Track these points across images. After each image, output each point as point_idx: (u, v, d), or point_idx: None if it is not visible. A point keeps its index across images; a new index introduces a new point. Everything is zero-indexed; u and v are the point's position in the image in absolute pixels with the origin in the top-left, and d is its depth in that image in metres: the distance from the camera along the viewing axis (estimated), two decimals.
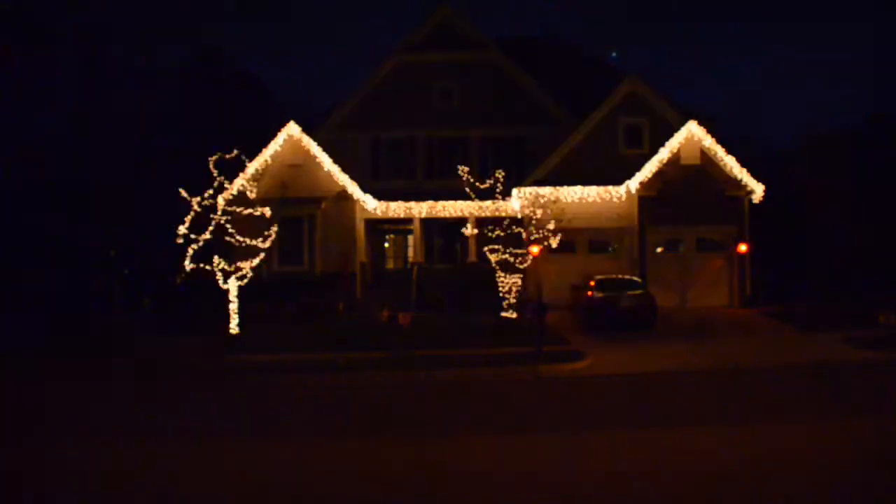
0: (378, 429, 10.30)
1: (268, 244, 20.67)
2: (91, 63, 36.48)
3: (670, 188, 24.18)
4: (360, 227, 26.90)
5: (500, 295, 23.03)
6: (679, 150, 24.26)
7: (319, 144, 26.17)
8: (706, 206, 24.12)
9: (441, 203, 27.32)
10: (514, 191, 25.06)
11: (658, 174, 24.24)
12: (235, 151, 19.83)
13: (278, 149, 25.76)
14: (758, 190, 24.13)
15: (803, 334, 18.68)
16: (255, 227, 21.77)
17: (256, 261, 20.32)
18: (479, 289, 24.73)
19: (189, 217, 19.13)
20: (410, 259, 28.72)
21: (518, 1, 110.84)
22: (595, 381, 14.02)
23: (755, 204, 24.36)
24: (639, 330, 19.28)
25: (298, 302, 23.52)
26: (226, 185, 20.25)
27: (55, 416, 11.87)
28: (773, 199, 23.97)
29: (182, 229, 19.04)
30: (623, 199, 24.98)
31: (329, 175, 25.72)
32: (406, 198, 27.52)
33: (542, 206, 23.87)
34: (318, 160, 25.74)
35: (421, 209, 27.48)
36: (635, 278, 21.49)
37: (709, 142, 24.20)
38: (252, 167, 25.24)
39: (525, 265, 22.69)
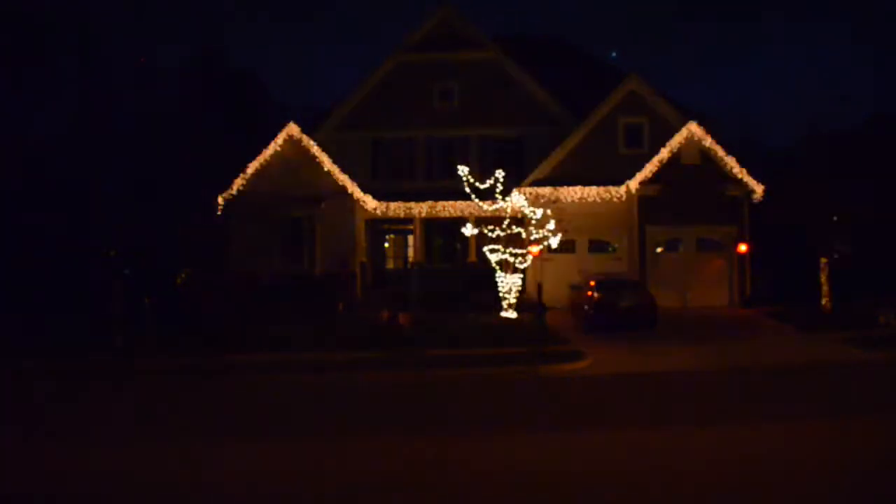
0: (378, 428, 10.30)
1: (268, 244, 20.64)
2: (91, 63, 36.47)
3: (670, 188, 24.18)
4: (360, 227, 26.90)
5: (500, 295, 23.04)
6: (679, 150, 24.26)
7: (319, 144, 26.16)
8: (706, 206, 24.12)
9: (441, 203, 27.31)
10: (514, 191, 25.04)
11: (658, 174, 24.25)
12: (235, 152, 19.82)
13: (278, 149, 25.75)
14: (758, 190, 24.13)
15: (803, 334, 18.68)
16: (255, 226, 21.82)
17: (256, 261, 20.32)
18: (479, 289, 24.74)
19: (189, 217, 19.13)
20: (410, 259, 28.72)
21: (518, 1, 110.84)
22: (595, 381, 14.02)
23: (755, 204, 24.36)
24: (639, 330, 19.27)
25: (298, 302, 23.50)
26: (226, 185, 20.27)
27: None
28: (774, 198, 23.94)
29: (182, 229, 19.03)
30: (623, 199, 24.98)
31: (329, 175, 25.72)
32: (406, 198, 27.51)
33: (542, 206, 23.86)
34: (318, 160, 25.73)
35: (421, 209, 27.48)
36: (635, 278, 21.49)
37: (709, 142, 24.21)
38: (252, 167, 25.27)
39: (525, 265, 22.69)
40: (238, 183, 25.40)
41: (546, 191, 24.98)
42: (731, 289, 24.35)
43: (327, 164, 25.71)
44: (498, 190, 22.61)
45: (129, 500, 7.47)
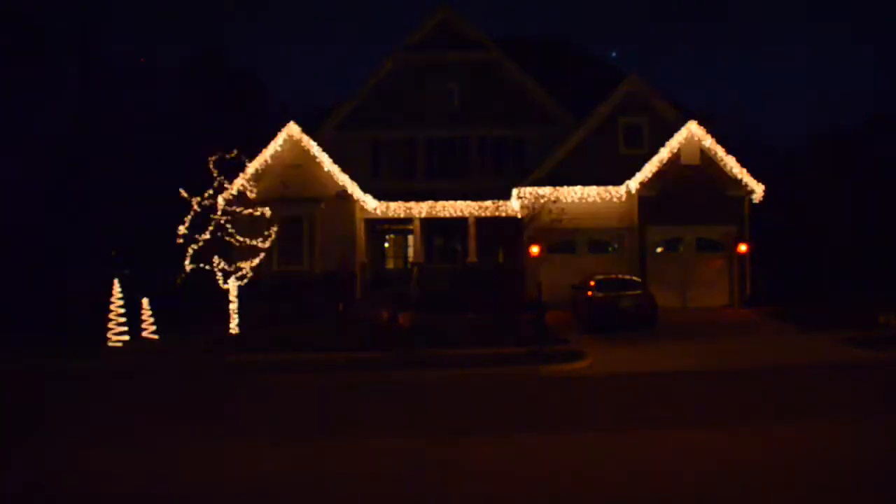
0: (378, 428, 10.30)
1: (268, 244, 20.68)
2: (92, 63, 36.50)
3: (670, 188, 24.19)
4: (360, 227, 26.90)
5: (500, 295, 23.03)
6: (679, 149, 24.27)
7: (319, 144, 26.18)
8: (706, 206, 24.12)
9: (441, 203, 27.30)
10: (514, 191, 25.05)
11: (658, 174, 24.25)
12: (235, 151, 19.84)
13: (278, 149, 25.77)
14: (758, 190, 24.14)
15: (803, 334, 18.66)
16: (255, 227, 21.81)
17: (256, 261, 20.34)
18: (479, 289, 24.75)
19: (189, 217, 19.14)
20: (410, 259, 28.73)
21: (519, 1, 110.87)
22: (595, 381, 14.01)
23: (755, 204, 24.36)
24: (639, 330, 19.27)
25: (298, 302, 23.52)
26: (226, 185, 20.27)
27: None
28: (774, 198, 23.97)
29: (182, 229, 19.04)
30: (623, 199, 24.98)
31: (329, 175, 25.73)
32: (406, 198, 27.51)
33: (542, 206, 23.86)
34: (318, 160, 25.75)
35: (421, 209, 27.47)
36: (635, 278, 21.48)
37: (709, 142, 24.21)
38: (252, 167, 25.27)
39: (525, 265, 22.69)
40: (238, 183, 25.39)
41: (546, 191, 24.98)
42: (731, 289, 24.36)
43: (327, 164, 25.72)
44: (498, 190, 22.61)
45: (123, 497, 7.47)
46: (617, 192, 24.98)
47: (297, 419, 11.22)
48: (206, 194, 19.43)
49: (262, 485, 7.73)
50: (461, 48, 28.89)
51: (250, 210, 20.47)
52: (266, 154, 25.70)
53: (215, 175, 19.63)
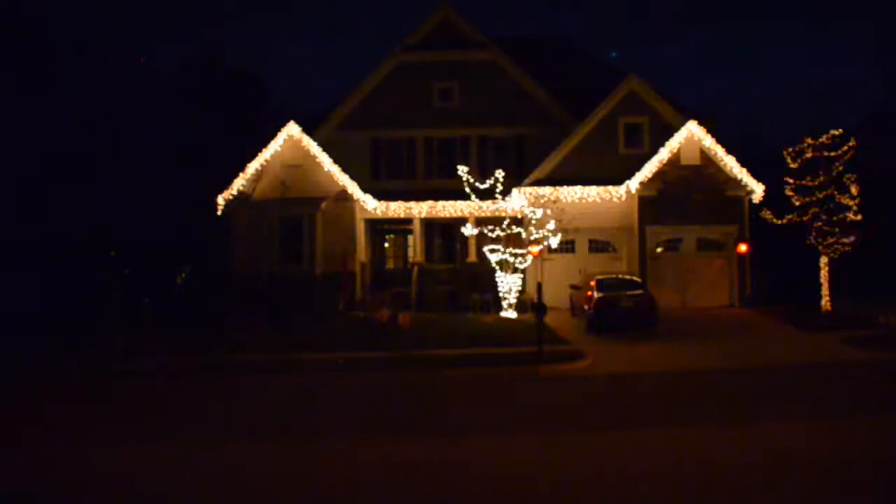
0: (378, 428, 10.30)
1: (268, 244, 20.65)
2: (92, 63, 36.48)
3: (670, 188, 24.19)
4: (360, 227, 26.89)
5: (500, 295, 23.05)
6: (679, 149, 24.27)
7: (319, 144, 26.17)
8: (706, 206, 24.12)
9: (441, 203, 27.29)
10: (514, 191, 25.05)
11: (658, 174, 24.25)
12: (235, 152, 19.82)
13: (278, 149, 25.76)
14: (758, 190, 24.14)
15: (804, 334, 18.67)
16: (255, 226, 21.82)
17: (256, 261, 20.32)
18: (479, 289, 24.77)
19: (189, 217, 19.13)
20: (410, 259, 28.71)
21: (519, 1, 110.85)
22: (595, 380, 14.02)
23: (755, 204, 24.36)
24: (639, 330, 19.27)
25: (298, 302, 23.51)
26: (226, 185, 20.26)
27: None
28: (774, 198, 23.94)
29: (182, 229, 19.04)
30: (623, 199, 24.98)
31: (329, 175, 25.72)
32: (406, 198, 27.50)
33: (542, 206, 23.86)
34: (318, 160, 25.74)
35: (421, 209, 27.46)
36: (635, 278, 21.48)
37: (709, 142, 24.21)
38: (252, 167, 25.27)
39: (525, 265, 22.70)
40: (238, 183, 25.40)
41: (546, 191, 24.97)
42: (731, 289, 24.36)
43: (327, 164, 25.71)
44: (498, 190, 22.63)
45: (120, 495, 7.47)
46: (617, 192, 24.98)
47: (295, 419, 11.22)
48: (206, 194, 19.41)
49: (259, 484, 7.73)
50: (461, 48, 28.89)
51: (250, 210, 20.44)
52: (266, 154, 25.68)
53: (215, 175, 19.61)
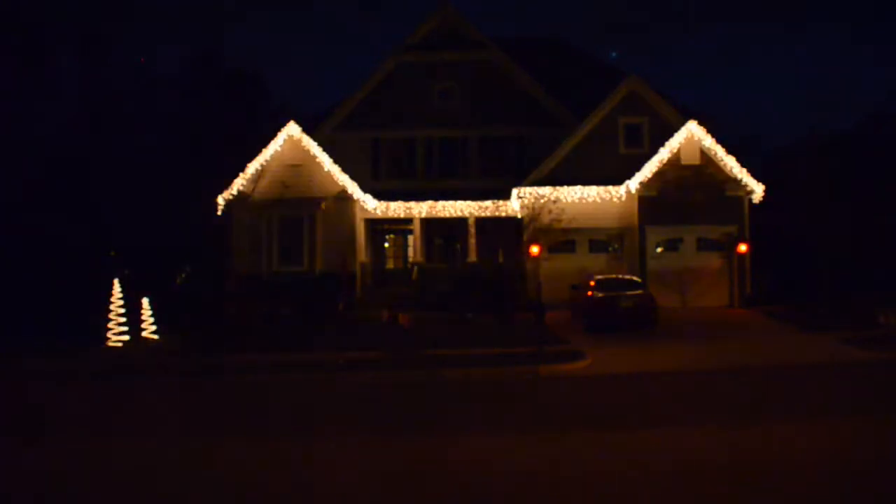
0: (378, 428, 10.30)
1: (268, 244, 20.65)
2: (92, 63, 36.47)
3: (670, 188, 24.19)
4: (360, 227, 26.90)
5: (500, 295, 23.02)
6: (679, 149, 24.27)
7: (319, 144, 26.17)
8: (706, 206, 24.12)
9: (441, 203, 27.29)
10: (514, 191, 25.05)
11: (658, 174, 24.25)
12: (235, 151, 19.82)
13: (278, 149, 25.76)
14: (758, 190, 24.14)
15: (803, 334, 18.66)
16: (255, 226, 21.82)
17: (256, 261, 20.32)
18: (479, 289, 24.73)
19: (189, 217, 19.12)
20: (410, 259, 28.72)
21: (519, 1, 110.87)
22: (595, 381, 14.01)
23: (755, 204, 24.35)
24: (639, 330, 19.26)
25: (298, 302, 23.52)
26: (226, 185, 20.25)
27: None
28: (774, 198, 23.96)
29: (182, 229, 19.03)
30: (623, 199, 24.98)
31: (329, 175, 25.72)
32: (406, 198, 27.50)
33: (542, 206, 23.87)
34: (318, 160, 25.74)
35: (421, 209, 27.47)
36: (635, 278, 21.48)
37: (709, 142, 24.21)
38: (252, 167, 25.27)
39: (525, 265, 22.69)
40: (238, 183, 25.39)
41: (546, 191, 24.97)
42: (731, 289, 24.35)
43: (327, 164, 25.71)
44: (498, 190, 22.61)
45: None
46: (617, 192, 24.98)
47: (295, 419, 11.22)
48: (207, 194, 19.40)
49: (258, 484, 7.74)
50: (461, 48, 28.90)
51: (250, 210, 20.44)
52: (266, 154, 25.68)
53: (215, 175, 19.61)
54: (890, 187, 28.11)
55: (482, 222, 27.05)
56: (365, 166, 28.45)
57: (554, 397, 12.63)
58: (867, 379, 13.52)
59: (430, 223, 28.36)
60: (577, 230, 24.81)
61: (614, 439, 9.23)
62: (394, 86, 29.02)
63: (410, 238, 28.87)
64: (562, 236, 22.98)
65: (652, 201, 24.33)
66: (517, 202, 25.30)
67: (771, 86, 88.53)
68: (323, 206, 25.53)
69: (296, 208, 25.40)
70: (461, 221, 27.30)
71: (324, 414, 11.63)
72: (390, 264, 30.01)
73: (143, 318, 20.46)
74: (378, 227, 29.07)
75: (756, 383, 13.23)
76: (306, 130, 26.21)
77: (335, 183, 25.75)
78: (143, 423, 11.11)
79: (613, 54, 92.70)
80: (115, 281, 19.76)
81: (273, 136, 25.93)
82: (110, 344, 19.02)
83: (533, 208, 23.99)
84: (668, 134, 24.50)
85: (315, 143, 26.01)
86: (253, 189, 25.18)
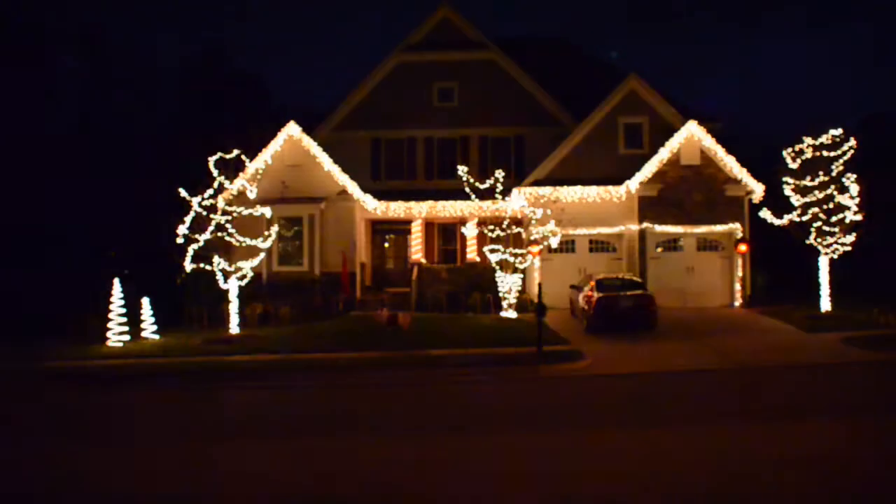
0: (378, 428, 10.30)
1: (268, 244, 20.66)
2: (93, 63, 36.50)
3: (670, 188, 24.22)
4: (360, 227, 26.90)
5: (500, 295, 23.05)
6: (679, 149, 24.28)
7: (319, 144, 26.17)
8: (706, 205, 24.15)
9: (441, 203, 27.30)
10: (514, 191, 25.06)
11: (658, 174, 24.26)
12: (235, 151, 19.82)
13: (278, 149, 25.76)
14: (758, 189, 24.14)
15: (804, 334, 18.66)
16: (255, 227, 21.81)
17: (256, 261, 20.32)
18: (479, 289, 24.77)
19: (189, 217, 19.12)
20: (410, 259, 28.73)
21: (519, 1, 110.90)
22: (595, 381, 14.02)
23: (755, 203, 24.35)
24: (639, 330, 19.26)
25: (298, 302, 23.53)
26: (226, 185, 20.22)
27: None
28: (774, 198, 23.94)
29: (182, 229, 19.02)
30: (623, 199, 24.99)
31: (329, 175, 25.72)
32: (406, 198, 27.51)
33: (542, 206, 23.88)
34: (318, 160, 25.74)
35: (421, 209, 27.48)
36: (635, 278, 21.48)
37: (709, 141, 24.21)
38: (252, 167, 25.23)
39: (525, 265, 22.70)
40: (238, 183, 25.33)
41: (546, 191, 24.99)
42: (732, 289, 24.36)
43: (327, 164, 25.71)
44: (498, 190, 22.62)
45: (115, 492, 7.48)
46: (617, 192, 24.99)
47: (294, 419, 11.22)
48: (207, 194, 19.39)
49: (258, 484, 7.73)
50: (461, 48, 28.91)
51: (250, 210, 20.43)
52: (266, 154, 25.68)
53: (215, 175, 19.60)
54: (890, 187, 28.14)
55: (482, 222, 27.02)
56: (365, 166, 28.47)
57: (554, 397, 12.63)
58: (867, 379, 13.54)
59: (430, 223, 28.38)
60: (577, 230, 24.82)
61: (614, 439, 9.24)
62: (394, 86, 29.03)
63: (410, 238, 28.89)
64: (562, 236, 22.99)
65: (652, 201, 24.34)
66: (517, 202, 25.28)
67: (771, 86, 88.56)
68: (323, 206, 25.53)
69: (296, 208, 25.40)
70: (461, 221, 27.29)
71: (322, 414, 11.63)
72: (390, 264, 30.02)
73: (142, 318, 20.45)
74: (378, 227, 29.09)
75: (757, 384, 13.23)
76: (306, 130, 26.21)
77: (335, 183, 25.74)
78: (151, 430, 11.11)
79: (613, 54, 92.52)
80: (116, 281, 19.76)
81: (273, 136, 25.93)
82: (110, 344, 19.01)
83: (533, 208, 23.94)
84: (668, 134, 24.51)
85: (315, 143, 26.01)
86: (253, 189, 25.11)
